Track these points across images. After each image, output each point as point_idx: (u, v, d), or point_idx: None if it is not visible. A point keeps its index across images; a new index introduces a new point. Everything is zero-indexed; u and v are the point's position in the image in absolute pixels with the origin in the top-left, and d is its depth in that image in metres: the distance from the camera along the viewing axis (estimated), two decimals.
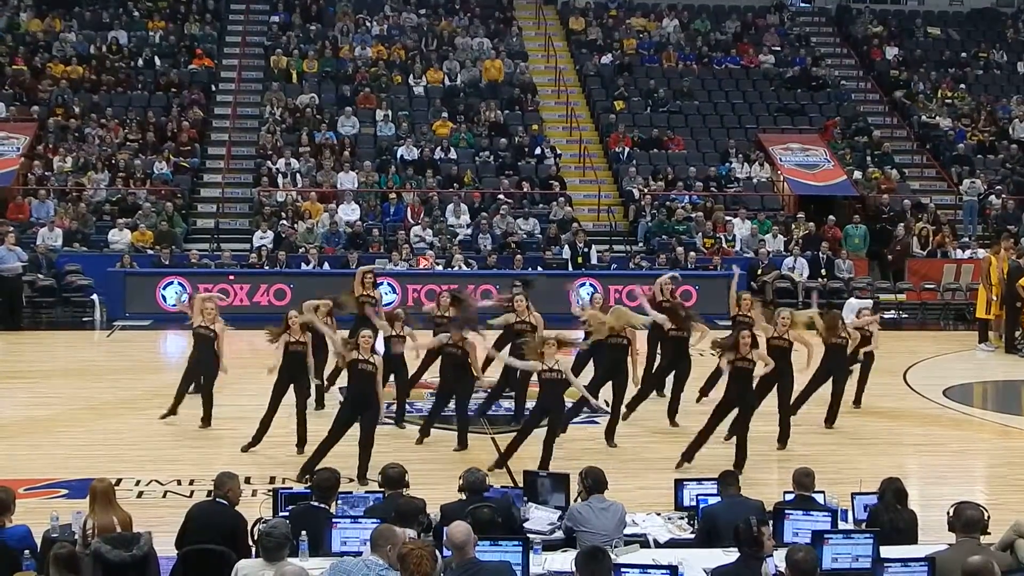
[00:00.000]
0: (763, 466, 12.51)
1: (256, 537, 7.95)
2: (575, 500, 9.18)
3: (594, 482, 8.86)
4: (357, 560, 6.89)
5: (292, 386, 12.96)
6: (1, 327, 21.16)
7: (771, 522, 8.30)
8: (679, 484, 9.76)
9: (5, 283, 21.43)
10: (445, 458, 12.67)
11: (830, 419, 14.47)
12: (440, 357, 13.63)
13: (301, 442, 12.80)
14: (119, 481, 10.88)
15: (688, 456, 12.41)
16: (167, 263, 22.86)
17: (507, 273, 22.35)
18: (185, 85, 29.32)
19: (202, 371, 14.06)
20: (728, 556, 7.63)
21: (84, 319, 22.35)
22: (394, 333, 14.09)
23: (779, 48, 33.08)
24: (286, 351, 12.91)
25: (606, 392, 13.57)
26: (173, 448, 13.15)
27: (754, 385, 12.83)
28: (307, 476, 11.09)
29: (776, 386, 13.36)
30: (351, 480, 11.20)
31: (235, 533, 8.26)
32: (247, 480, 11.12)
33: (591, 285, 21.58)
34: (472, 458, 12.08)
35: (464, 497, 8.81)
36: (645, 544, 8.70)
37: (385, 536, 6.96)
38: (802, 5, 35.96)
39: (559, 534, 8.83)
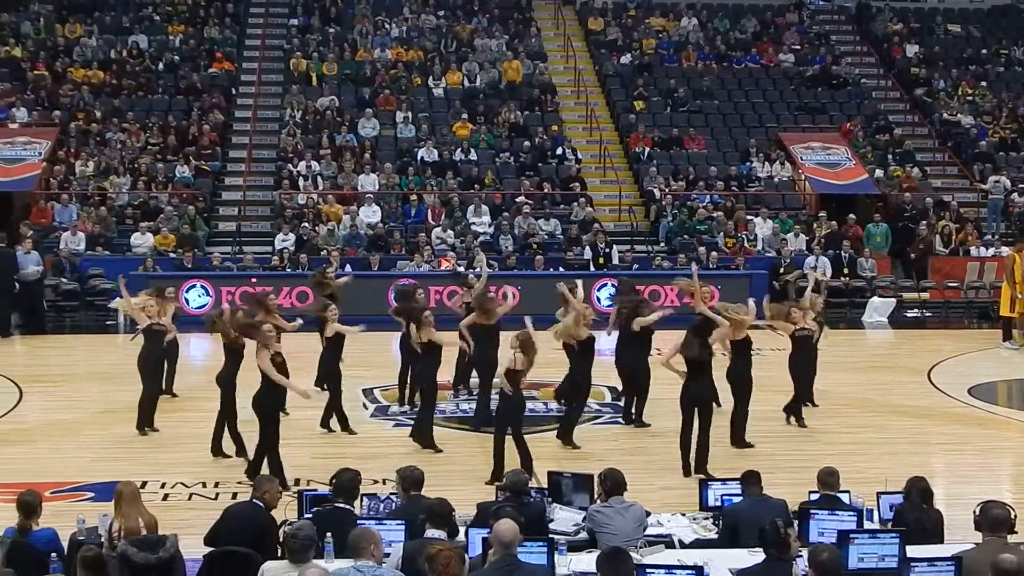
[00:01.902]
0: (785, 466, 12.45)
1: (281, 539, 7.98)
2: (596, 501, 9.17)
3: (612, 484, 8.85)
4: (348, 568, 6.86)
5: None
6: (24, 331, 21.29)
7: (796, 522, 8.29)
8: (704, 484, 9.78)
9: (25, 287, 21.52)
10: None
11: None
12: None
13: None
14: (144, 484, 10.94)
15: (700, 467, 12.15)
16: (190, 266, 22.96)
17: (529, 274, 22.38)
18: (205, 89, 29.42)
19: (152, 368, 14.11)
20: (754, 557, 7.61)
21: (107, 323, 22.41)
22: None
23: (799, 47, 32.98)
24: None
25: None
26: (198, 451, 13.15)
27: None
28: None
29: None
30: (375, 482, 11.20)
31: (264, 535, 8.30)
32: None
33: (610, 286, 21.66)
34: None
35: (503, 498, 8.81)
36: (670, 545, 8.69)
37: (364, 538, 6.98)
38: (821, 3, 35.85)
39: (584, 535, 8.81)
